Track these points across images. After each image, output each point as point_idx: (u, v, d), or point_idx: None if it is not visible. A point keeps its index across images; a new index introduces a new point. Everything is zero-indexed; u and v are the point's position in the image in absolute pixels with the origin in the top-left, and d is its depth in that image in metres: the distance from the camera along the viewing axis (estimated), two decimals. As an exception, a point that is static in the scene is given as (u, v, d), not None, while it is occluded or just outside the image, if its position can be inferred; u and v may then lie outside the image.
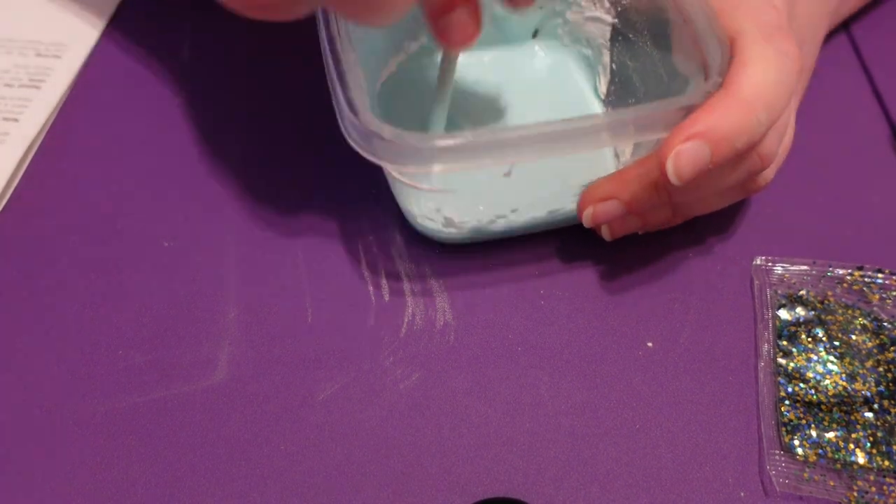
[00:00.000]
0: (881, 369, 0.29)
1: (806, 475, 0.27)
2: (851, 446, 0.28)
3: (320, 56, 0.29)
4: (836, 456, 0.27)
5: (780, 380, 0.29)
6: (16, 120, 0.38)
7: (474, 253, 0.33)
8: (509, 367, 0.30)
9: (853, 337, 0.30)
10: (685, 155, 0.26)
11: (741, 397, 0.29)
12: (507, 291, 0.32)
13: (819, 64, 0.38)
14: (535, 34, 0.40)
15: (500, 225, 0.32)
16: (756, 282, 0.32)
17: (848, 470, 0.27)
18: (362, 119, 0.26)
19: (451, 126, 0.33)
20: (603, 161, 0.34)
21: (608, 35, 0.36)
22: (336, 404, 0.29)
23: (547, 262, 0.33)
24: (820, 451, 0.27)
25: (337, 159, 0.36)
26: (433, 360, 0.30)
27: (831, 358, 0.30)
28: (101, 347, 0.31)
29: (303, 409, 0.29)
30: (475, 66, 0.38)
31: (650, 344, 0.31)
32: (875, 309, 0.31)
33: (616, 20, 0.35)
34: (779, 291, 0.32)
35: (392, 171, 0.30)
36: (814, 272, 0.32)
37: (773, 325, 0.31)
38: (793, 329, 0.30)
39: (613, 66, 0.36)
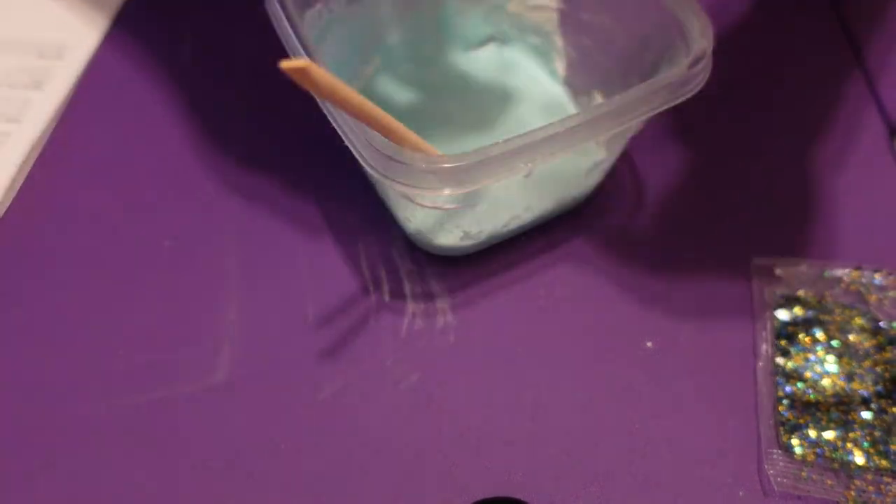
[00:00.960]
0: (879, 369, 0.29)
1: (804, 474, 0.27)
2: (849, 446, 0.28)
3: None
4: (834, 455, 0.27)
5: (779, 379, 0.29)
6: (18, 121, 0.38)
7: (475, 253, 0.33)
8: (509, 367, 0.30)
9: (851, 337, 0.30)
10: None
11: (740, 397, 0.29)
12: (507, 292, 0.32)
13: (818, 64, 0.38)
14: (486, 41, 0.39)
15: (513, 225, 0.32)
16: (755, 282, 0.32)
17: (846, 469, 0.27)
18: (380, 143, 0.25)
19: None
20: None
21: (556, 20, 0.36)
22: (336, 404, 0.29)
23: (547, 263, 0.33)
24: (818, 450, 0.28)
25: (337, 159, 0.36)
26: (433, 360, 0.30)
27: (829, 358, 0.30)
28: (101, 347, 0.31)
29: (303, 409, 0.29)
30: (433, 76, 0.38)
31: (650, 344, 0.31)
32: (873, 309, 0.31)
33: (563, 5, 0.35)
34: (777, 291, 0.32)
35: (411, 194, 0.28)
36: (812, 272, 0.32)
37: (772, 325, 0.31)
38: (791, 329, 0.31)
39: (570, 48, 0.36)
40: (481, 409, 0.29)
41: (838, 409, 0.28)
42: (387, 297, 0.32)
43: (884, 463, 0.27)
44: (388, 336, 0.31)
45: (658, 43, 0.30)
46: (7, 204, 0.35)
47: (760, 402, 0.29)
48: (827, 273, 0.32)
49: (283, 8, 0.29)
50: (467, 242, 0.32)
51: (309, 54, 0.27)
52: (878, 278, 0.32)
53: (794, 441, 0.28)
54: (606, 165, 0.33)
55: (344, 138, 0.27)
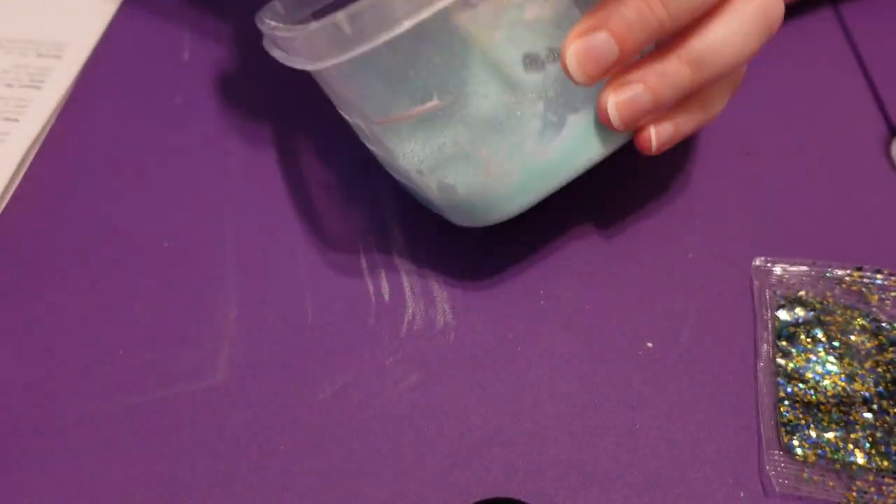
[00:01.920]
0: (880, 370, 0.29)
1: (805, 475, 0.27)
2: (850, 446, 0.28)
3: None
4: (836, 456, 0.27)
5: (780, 380, 0.29)
6: (16, 120, 0.38)
7: (475, 253, 0.33)
8: (509, 367, 0.30)
9: (852, 337, 0.30)
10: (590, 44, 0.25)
11: (740, 398, 0.29)
12: (507, 291, 0.32)
13: (818, 64, 0.38)
14: None
15: (550, 145, 0.28)
16: (755, 282, 0.32)
17: (847, 470, 0.27)
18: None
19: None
20: None
21: None
22: (336, 404, 0.29)
23: (547, 263, 0.33)
24: (819, 451, 0.27)
25: (337, 159, 0.36)
26: (433, 360, 0.30)
27: (830, 358, 0.30)
28: (101, 347, 0.31)
29: (303, 409, 0.29)
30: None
31: (650, 344, 0.31)
32: (874, 310, 0.31)
33: None
34: (778, 292, 0.32)
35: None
36: (813, 273, 0.32)
37: (773, 325, 0.31)
38: (792, 329, 0.31)
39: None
40: (481, 409, 0.29)
41: (839, 409, 0.28)
42: (387, 297, 0.32)
43: (885, 464, 0.27)
44: (388, 336, 0.31)
45: None
46: (6, 203, 0.35)
47: (761, 402, 0.29)
48: (828, 273, 0.32)
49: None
50: (498, 187, 0.28)
51: None
52: (879, 279, 0.32)
53: (795, 442, 0.28)
54: None
55: None
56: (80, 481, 0.27)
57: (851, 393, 0.29)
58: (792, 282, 0.32)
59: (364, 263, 0.33)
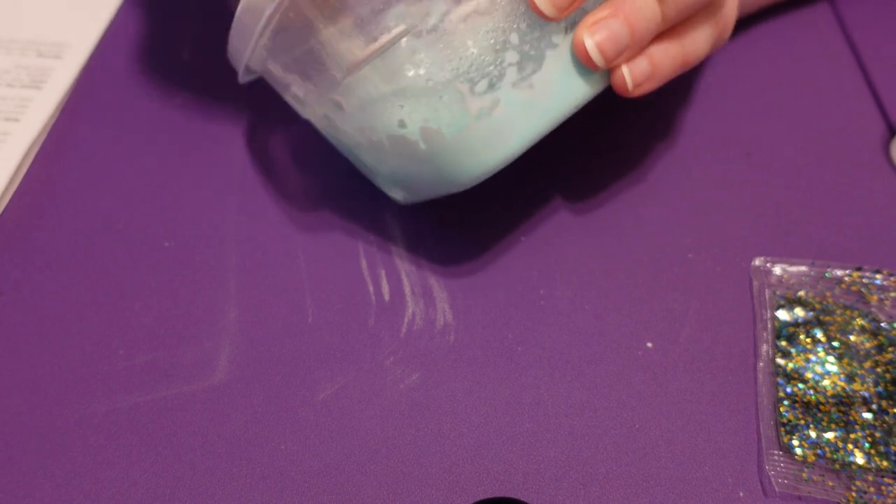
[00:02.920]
0: (880, 370, 0.29)
1: (805, 475, 0.27)
2: (850, 447, 0.28)
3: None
4: (835, 456, 0.27)
5: (779, 380, 0.29)
6: (17, 120, 0.38)
7: (475, 252, 0.33)
8: (509, 367, 0.30)
9: (852, 338, 0.30)
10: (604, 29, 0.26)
11: (740, 397, 0.29)
12: (507, 291, 0.32)
13: (818, 65, 0.38)
14: None
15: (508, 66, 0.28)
16: (755, 282, 0.32)
17: (847, 470, 0.27)
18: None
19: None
20: None
21: None
22: (336, 404, 0.29)
23: (547, 263, 0.33)
24: (819, 451, 0.28)
25: (338, 158, 0.36)
26: (433, 360, 0.30)
27: (830, 358, 0.30)
28: (101, 347, 0.31)
29: (303, 409, 0.29)
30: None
31: (650, 344, 0.31)
32: (873, 310, 0.31)
33: None
34: (777, 292, 0.32)
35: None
36: (812, 273, 0.32)
37: (772, 325, 0.31)
38: (792, 330, 0.31)
39: None
40: (481, 409, 0.29)
41: (839, 409, 0.28)
42: (387, 297, 0.32)
43: (885, 464, 0.27)
44: (388, 336, 0.31)
45: None
46: (6, 203, 0.35)
47: (761, 402, 0.29)
48: (828, 274, 0.32)
49: None
50: (484, 126, 0.27)
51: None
52: (878, 279, 0.32)
53: (795, 442, 0.28)
54: None
55: None
56: (81, 481, 0.27)
57: (851, 393, 0.29)
58: (792, 282, 0.32)
59: (364, 263, 0.33)
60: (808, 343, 0.30)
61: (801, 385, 0.29)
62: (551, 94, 0.28)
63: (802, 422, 0.28)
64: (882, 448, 0.27)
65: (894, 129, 0.38)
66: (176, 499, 0.27)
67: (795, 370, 0.29)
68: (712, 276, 0.33)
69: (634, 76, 0.28)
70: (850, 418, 0.28)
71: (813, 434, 0.28)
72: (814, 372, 0.29)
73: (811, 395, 0.29)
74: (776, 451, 0.28)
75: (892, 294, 0.31)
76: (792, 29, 0.44)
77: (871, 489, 0.27)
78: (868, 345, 0.30)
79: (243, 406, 0.29)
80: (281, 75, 0.30)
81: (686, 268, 0.33)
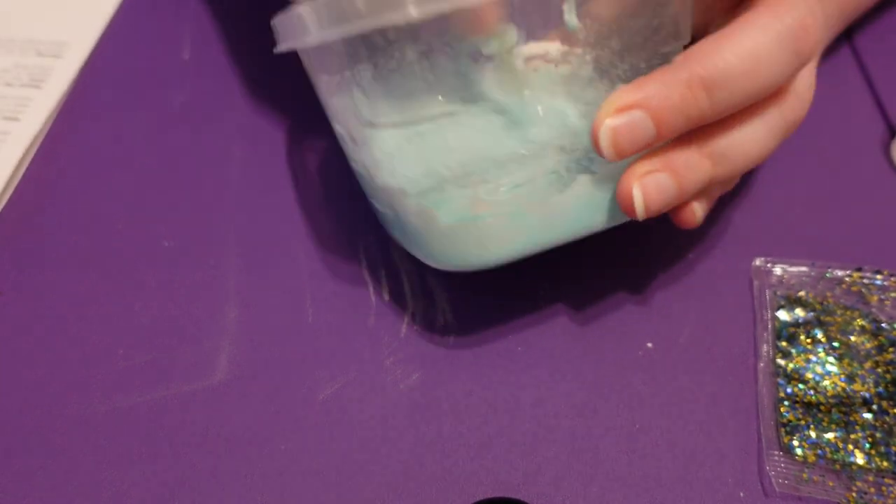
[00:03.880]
0: (880, 370, 0.29)
1: (805, 476, 0.27)
2: (850, 447, 0.28)
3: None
4: (835, 456, 0.27)
5: (780, 380, 0.29)
6: (16, 119, 0.38)
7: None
8: (509, 367, 0.30)
9: (852, 338, 0.30)
10: (624, 127, 0.24)
11: (740, 398, 0.29)
12: (507, 291, 0.32)
13: (818, 64, 0.38)
14: None
15: (549, 183, 0.26)
16: (755, 282, 0.32)
17: (847, 470, 0.27)
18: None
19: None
20: None
21: (591, 70, 0.28)
22: (336, 404, 0.29)
23: (547, 262, 0.33)
24: (819, 451, 0.27)
25: (338, 158, 0.36)
26: (433, 360, 0.30)
27: (830, 359, 0.30)
28: (101, 347, 0.31)
29: (303, 409, 0.29)
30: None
31: (650, 344, 0.31)
32: (874, 310, 0.31)
33: (595, 51, 0.28)
34: (778, 292, 0.32)
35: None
36: (813, 273, 0.32)
37: (773, 325, 0.31)
38: (792, 330, 0.31)
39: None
40: (481, 409, 0.29)
41: (839, 410, 0.28)
42: (387, 297, 0.32)
43: (885, 464, 0.27)
44: (388, 336, 0.31)
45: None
46: (6, 202, 0.35)
47: (761, 402, 0.29)
48: (828, 274, 0.32)
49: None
50: (482, 227, 0.25)
51: None
52: (879, 279, 0.32)
53: (795, 442, 0.28)
54: None
55: None
56: (80, 481, 0.27)
57: (851, 393, 0.29)
58: (792, 282, 0.32)
59: (364, 263, 0.33)
60: (808, 343, 0.30)
61: (801, 385, 0.29)
62: (564, 218, 0.26)
63: (803, 422, 0.28)
64: (882, 448, 0.27)
65: (894, 129, 0.38)
66: (176, 499, 0.27)
67: (796, 370, 0.29)
68: (712, 276, 0.33)
69: (648, 194, 0.26)
70: (851, 419, 0.28)
71: (813, 434, 0.28)
72: (814, 372, 0.29)
73: (811, 396, 0.29)
74: (776, 452, 0.28)
75: (893, 294, 0.31)
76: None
77: (872, 489, 0.27)
78: (868, 345, 0.30)
79: (243, 406, 0.29)
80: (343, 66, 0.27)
81: (686, 268, 0.33)
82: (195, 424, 0.29)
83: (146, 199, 0.35)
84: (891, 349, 0.30)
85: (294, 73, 0.40)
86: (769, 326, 0.31)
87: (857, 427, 0.28)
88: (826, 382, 0.29)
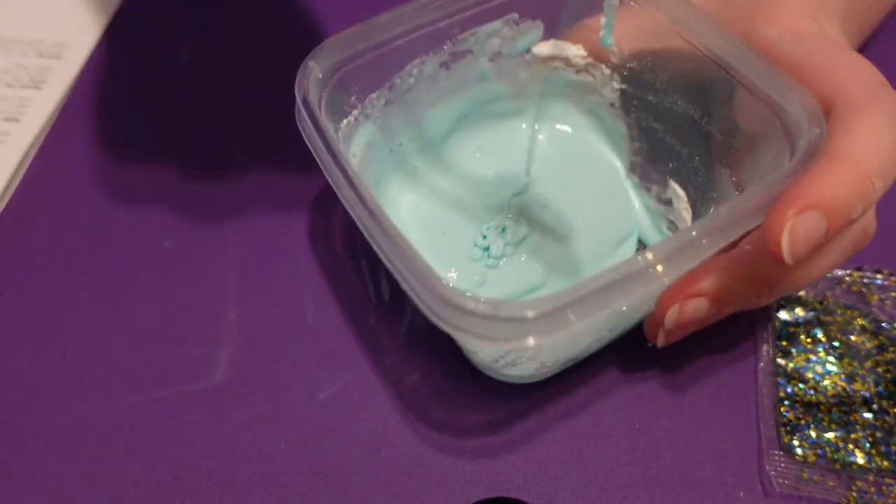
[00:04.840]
0: (880, 370, 0.29)
1: (805, 475, 0.27)
2: (851, 446, 0.28)
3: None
4: (836, 456, 0.27)
5: (780, 380, 0.29)
6: (17, 120, 0.38)
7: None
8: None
9: (852, 338, 0.30)
10: (801, 229, 0.22)
11: (740, 397, 0.29)
12: (507, 292, 0.32)
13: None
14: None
15: (595, 347, 0.29)
16: (755, 282, 0.32)
17: (847, 470, 0.27)
18: (441, 290, 0.22)
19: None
20: None
21: (616, 98, 0.33)
22: (336, 404, 0.29)
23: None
24: (819, 451, 0.27)
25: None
26: (433, 360, 0.30)
27: (830, 358, 0.30)
28: (101, 347, 0.31)
29: (303, 409, 0.29)
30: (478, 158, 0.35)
31: (650, 344, 0.31)
32: (874, 310, 0.31)
33: (624, 85, 0.32)
34: (778, 292, 0.32)
35: (486, 344, 0.25)
36: (813, 273, 0.32)
37: (773, 325, 0.31)
38: (792, 330, 0.31)
39: (633, 131, 0.33)
40: (481, 409, 0.29)
41: (839, 409, 0.28)
42: (387, 297, 0.32)
43: (885, 464, 0.27)
44: (388, 336, 0.31)
45: (749, 126, 0.27)
46: (6, 203, 0.35)
47: (761, 402, 0.29)
48: (828, 273, 0.32)
49: (314, 122, 0.28)
50: (543, 371, 0.28)
51: (341, 167, 0.25)
52: (879, 279, 0.32)
53: (796, 442, 0.28)
54: None
55: (402, 284, 0.23)
56: (80, 481, 0.27)
57: (851, 393, 0.29)
58: (792, 282, 0.32)
59: (364, 263, 0.33)
60: (808, 343, 0.30)
61: (801, 385, 0.29)
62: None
63: (803, 422, 0.28)
64: (883, 448, 0.27)
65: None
66: (176, 499, 0.27)
67: (796, 370, 0.29)
68: (712, 275, 0.33)
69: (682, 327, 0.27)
70: (851, 418, 0.28)
71: (813, 434, 0.28)
72: (814, 372, 0.29)
73: (812, 395, 0.29)
74: (777, 451, 0.28)
75: (893, 294, 0.31)
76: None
77: (872, 489, 0.27)
78: (869, 345, 0.30)
79: (243, 406, 0.29)
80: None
81: (686, 268, 0.33)
82: (195, 424, 0.29)
83: (146, 199, 0.35)
84: (891, 348, 0.30)
85: (294, 73, 0.40)
86: (769, 326, 0.31)
87: (858, 427, 0.28)
88: (826, 382, 0.29)
